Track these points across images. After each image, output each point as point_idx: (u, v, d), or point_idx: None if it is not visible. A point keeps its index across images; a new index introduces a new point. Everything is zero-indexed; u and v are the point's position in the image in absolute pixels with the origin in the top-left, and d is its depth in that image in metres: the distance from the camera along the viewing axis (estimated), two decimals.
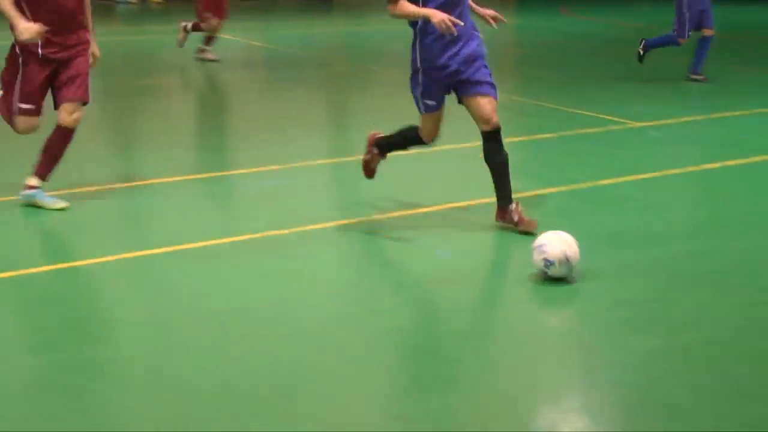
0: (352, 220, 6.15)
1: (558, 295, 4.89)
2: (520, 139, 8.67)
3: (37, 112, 6.27)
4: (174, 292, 4.93)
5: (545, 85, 11.65)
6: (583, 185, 6.95)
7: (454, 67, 5.58)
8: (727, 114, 9.40)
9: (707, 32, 11.32)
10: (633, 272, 5.17)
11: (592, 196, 6.74)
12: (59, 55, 6.12)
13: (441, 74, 5.61)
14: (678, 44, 11.35)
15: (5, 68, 6.26)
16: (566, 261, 4.85)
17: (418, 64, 5.65)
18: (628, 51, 15.44)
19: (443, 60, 5.55)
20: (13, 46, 6.15)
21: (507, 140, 8.52)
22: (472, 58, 5.60)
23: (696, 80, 11.44)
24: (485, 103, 5.64)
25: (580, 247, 4.94)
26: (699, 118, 9.43)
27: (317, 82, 12.27)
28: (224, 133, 9.52)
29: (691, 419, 3.55)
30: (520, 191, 6.78)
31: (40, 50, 6.04)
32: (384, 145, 6.22)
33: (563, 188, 6.88)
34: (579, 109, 9.82)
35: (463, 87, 5.65)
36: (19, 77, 6.15)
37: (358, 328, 4.52)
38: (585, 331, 4.50)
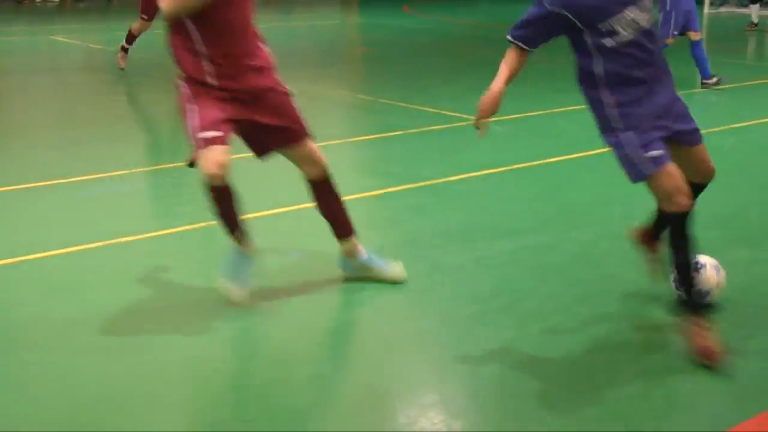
0: (201, 224, 6.03)
1: (409, 292, 4.91)
2: (368, 137, 8.71)
3: None
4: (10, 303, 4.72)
5: (391, 83, 11.74)
6: (432, 182, 7.02)
7: None
8: (570, 108, 9.67)
9: (694, 36, 11.00)
10: (483, 266, 5.24)
11: (442, 192, 6.82)
12: None
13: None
14: (665, 45, 10.27)
15: None
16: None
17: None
18: (470, 47, 15.78)
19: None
20: None
21: (354, 139, 8.63)
22: None
23: (710, 85, 11.19)
24: None
25: (432, 243, 4.97)
26: (542, 112, 9.68)
27: (159, 84, 11.97)
28: (62, 140, 9.17)
29: (545, 407, 3.62)
30: (369, 190, 6.83)
31: None
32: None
33: (413, 185, 6.92)
34: (424, 106, 9.93)
35: None
36: None
37: (208, 332, 4.43)
38: (436, 326, 4.52)
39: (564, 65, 12.56)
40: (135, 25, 12.34)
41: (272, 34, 18.88)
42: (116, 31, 17.52)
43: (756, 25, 18.74)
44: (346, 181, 7.26)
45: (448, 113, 9.53)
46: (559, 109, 9.70)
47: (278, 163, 7.60)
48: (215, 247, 5.75)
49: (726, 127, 9.02)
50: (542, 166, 7.57)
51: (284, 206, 6.38)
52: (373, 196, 6.74)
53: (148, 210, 6.47)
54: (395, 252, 5.69)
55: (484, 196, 6.76)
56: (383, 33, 17.20)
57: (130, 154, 7.99)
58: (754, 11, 18.99)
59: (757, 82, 11.83)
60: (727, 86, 11.27)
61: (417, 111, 9.75)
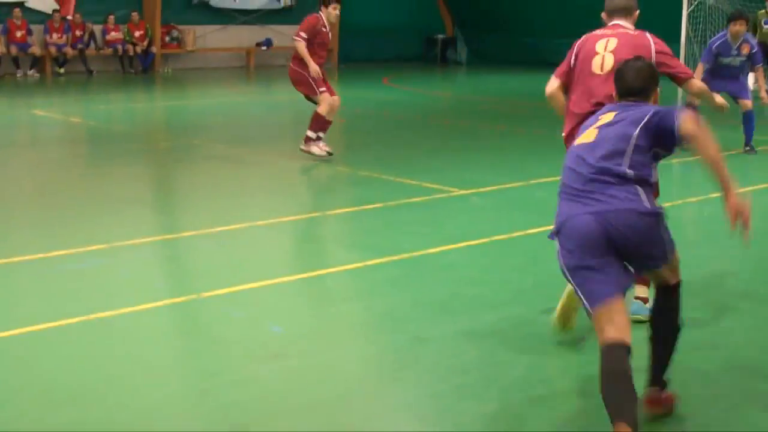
0: (181, 299, 6.00)
1: (390, 366, 4.89)
2: (347, 210, 8.74)
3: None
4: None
5: (370, 155, 11.80)
6: (412, 254, 7.02)
7: None
8: (548, 179, 9.75)
9: (746, 104, 11.78)
10: (465, 339, 5.23)
11: (422, 265, 6.82)
12: None
13: None
14: None
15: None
16: None
17: None
18: (449, 119, 15.93)
19: None
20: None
21: (334, 212, 8.66)
22: None
23: (751, 151, 11.81)
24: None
25: (413, 316, 4.97)
26: (519, 184, 9.74)
27: (140, 157, 12.01)
28: (43, 214, 9.14)
29: None
30: (349, 263, 6.83)
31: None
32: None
33: (393, 258, 6.93)
34: (404, 178, 9.98)
35: None
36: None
37: (190, 407, 4.38)
38: (418, 400, 4.50)
39: (541, 136, 12.72)
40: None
41: (253, 108, 19.13)
42: (97, 103, 17.63)
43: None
44: (326, 255, 7.32)
45: (428, 185, 9.59)
46: (537, 180, 9.77)
47: (255, 236, 7.64)
48: (192, 322, 5.73)
49: (703, 197, 9.10)
50: (521, 237, 7.60)
51: (265, 280, 6.35)
52: (352, 269, 6.74)
53: (127, 285, 6.43)
54: (375, 325, 5.69)
55: (463, 268, 6.77)
56: (363, 105, 17.33)
57: (110, 228, 7.97)
58: (751, 78, 19.46)
59: (733, 152, 11.97)
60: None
61: (397, 183, 9.80)
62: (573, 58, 5.81)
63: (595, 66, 5.67)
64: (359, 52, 27.64)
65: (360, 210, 8.67)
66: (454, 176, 10.15)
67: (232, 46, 26.23)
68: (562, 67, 5.88)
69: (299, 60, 11.09)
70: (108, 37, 23.34)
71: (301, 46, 10.96)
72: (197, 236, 7.55)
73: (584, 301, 3.99)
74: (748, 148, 11.96)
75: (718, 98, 6.56)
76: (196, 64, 25.42)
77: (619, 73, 4.51)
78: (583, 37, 5.90)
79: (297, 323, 5.56)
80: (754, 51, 11.64)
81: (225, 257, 7.02)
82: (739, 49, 11.61)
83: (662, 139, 4.20)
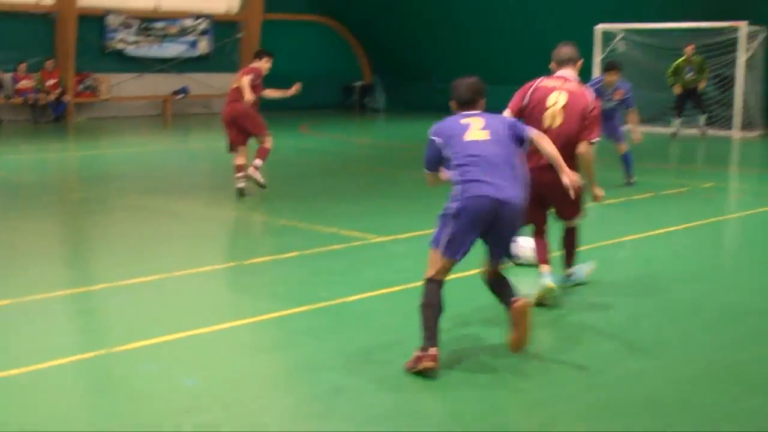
0: (92, 353, 5.84)
1: (309, 417, 4.82)
2: (265, 259, 8.65)
3: None
4: None
5: (288, 203, 11.74)
6: (330, 303, 6.97)
7: None
8: None
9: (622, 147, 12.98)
10: (384, 387, 5.19)
11: (340, 314, 6.78)
12: None
13: None
14: None
15: None
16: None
17: None
18: (367, 167, 15.98)
19: None
20: None
21: (251, 261, 8.57)
22: None
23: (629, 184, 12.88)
24: None
25: (331, 366, 4.90)
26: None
27: (51, 209, 11.73)
28: None
29: None
30: (266, 312, 6.75)
31: None
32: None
33: (311, 307, 6.87)
34: (322, 226, 9.94)
35: None
36: None
37: None
38: None
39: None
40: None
41: (169, 156, 18.93)
42: (6, 153, 17.24)
43: (675, 134, 20.81)
44: (243, 305, 7.21)
45: (347, 233, 9.56)
46: None
47: (171, 287, 7.50)
48: (104, 378, 5.58)
49: (616, 240, 9.25)
50: None
51: (180, 332, 6.24)
52: (269, 319, 6.66)
53: (33, 341, 6.24)
54: (293, 376, 5.61)
55: (382, 316, 6.74)
56: (281, 153, 17.25)
57: (17, 282, 7.75)
58: (677, 124, 21.01)
59: (647, 195, 12.22)
60: (619, 200, 11.61)
61: (315, 231, 9.76)
62: (527, 98, 6.94)
63: (547, 120, 6.84)
64: (277, 99, 27.61)
65: (278, 259, 8.60)
66: (373, 223, 10.15)
67: (148, 94, 26.02)
68: (516, 104, 6.95)
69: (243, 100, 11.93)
70: (18, 86, 22.96)
71: (246, 81, 11.86)
72: (110, 289, 7.39)
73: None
74: (628, 181, 12.99)
75: (599, 190, 7.17)
76: (111, 112, 25.14)
77: (453, 86, 5.92)
78: (536, 82, 7.03)
79: (213, 376, 5.46)
80: (627, 96, 12.71)
81: (139, 310, 6.88)
82: (611, 94, 12.63)
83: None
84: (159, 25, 26.02)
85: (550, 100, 6.89)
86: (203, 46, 26.85)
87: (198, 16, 26.72)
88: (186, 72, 26.53)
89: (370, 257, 8.67)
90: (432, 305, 5.55)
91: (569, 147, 6.79)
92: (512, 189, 5.56)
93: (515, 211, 5.58)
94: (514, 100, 7.01)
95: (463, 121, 5.77)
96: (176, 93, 26.31)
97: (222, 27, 27.38)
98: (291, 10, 28.85)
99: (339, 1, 29.27)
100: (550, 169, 6.31)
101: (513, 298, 5.68)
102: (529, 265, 7.46)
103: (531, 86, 7.01)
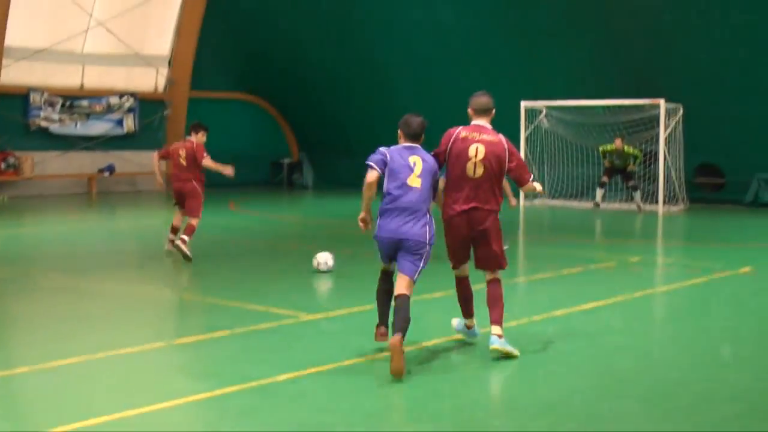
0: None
1: None
2: (194, 338, 8.48)
3: None
4: None
5: (218, 282, 11.59)
6: (261, 382, 6.84)
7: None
8: None
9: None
10: None
11: (271, 393, 6.64)
12: None
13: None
14: None
15: None
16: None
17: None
18: (296, 244, 15.90)
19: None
20: None
21: (180, 341, 8.39)
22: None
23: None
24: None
25: None
26: (368, 307, 9.69)
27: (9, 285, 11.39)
28: None
29: None
30: (195, 393, 6.58)
31: None
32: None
33: (242, 387, 6.72)
34: (252, 305, 9.81)
35: None
36: None
37: None
38: None
39: None
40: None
41: (94, 235, 18.60)
42: None
43: (598, 205, 21.52)
44: (171, 386, 7.02)
45: (277, 311, 9.45)
46: None
47: (94, 369, 7.28)
48: None
49: (547, 315, 9.27)
50: (370, 361, 7.52)
51: (104, 415, 6.04)
52: (199, 400, 6.49)
53: None
54: None
55: (313, 395, 6.63)
56: (210, 231, 17.12)
57: None
58: (599, 194, 21.81)
59: (576, 270, 12.33)
60: (547, 275, 11.69)
61: (245, 309, 9.62)
62: (447, 147, 7.67)
63: (469, 170, 7.58)
64: (205, 177, 27.51)
65: (207, 338, 8.44)
66: (303, 301, 10.05)
67: (73, 172, 25.71)
68: (441, 152, 7.71)
69: (201, 182, 13.37)
70: None
71: (210, 162, 13.16)
72: (32, 372, 7.15)
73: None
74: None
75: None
76: (34, 191, 24.75)
77: (405, 121, 7.58)
78: (455, 132, 7.71)
79: None
80: None
81: (63, 393, 6.66)
82: None
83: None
84: (84, 103, 25.83)
85: (471, 151, 7.58)
86: (129, 124, 26.70)
87: (124, 94, 26.61)
88: (112, 150, 26.33)
89: (300, 335, 8.56)
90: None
91: (491, 194, 7.58)
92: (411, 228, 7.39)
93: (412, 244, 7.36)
94: (439, 148, 7.74)
95: (411, 160, 7.46)
96: (102, 171, 26.04)
97: (148, 105, 27.30)
98: (217, 88, 28.94)
99: (264, 80, 29.42)
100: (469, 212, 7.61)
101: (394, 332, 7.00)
102: None
103: (451, 136, 7.70)
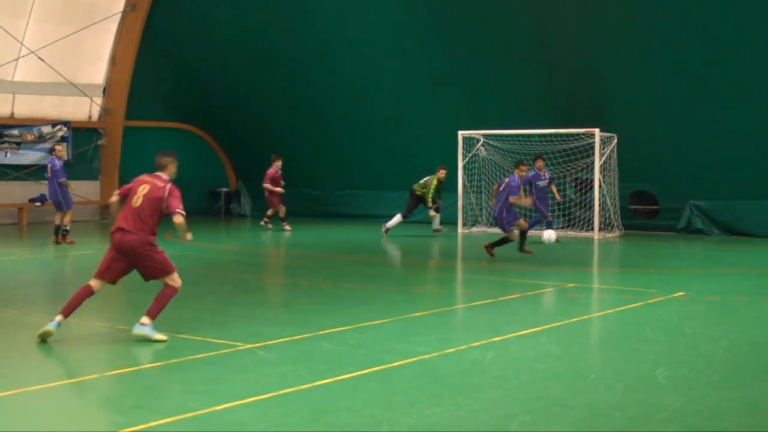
0: None
1: None
2: (128, 370, 8.34)
3: None
4: None
5: None
6: (197, 413, 6.73)
7: None
8: (332, 330, 9.71)
9: None
10: None
11: (208, 424, 6.54)
12: None
13: None
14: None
15: None
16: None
17: None
18: (232, 273, 15.76)
19: None
20: None
21: (113, 372, 8.23)
22: None
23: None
24: None
25: None
26: (306, 335, 9.63)
27: None
28: None
29: None
30: (130, 425, 6.45)
31: None
32: None
33: (177, 418, 6.61)
34: (189, 335, 9.69)
35: None
36: None
37: None
38: None
39: (326, 288, 12.74)
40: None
41: (24, 266, 18.23)
42: None
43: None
44: (103, 419, 6.87)
45: (214, 341, 9.34)
46: (323, 332, 9.70)
47: (23, 404, 7.10)
48: None
49: (485, 341, 9.29)
50: (308, 389, 7.46)
51: None
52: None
53: None
54: None
55: (251, 424, 6.54)
56: None
57: None
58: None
59: (513, 296, 12.40)
60: (485, 301, 11.73)
61: (181, 339, 9.49)
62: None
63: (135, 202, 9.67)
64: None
65: (142, 369, 8.31)
66: (240, 330, 9.95)
67: (3, 202, 25.27)
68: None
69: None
70: None
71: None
72: None
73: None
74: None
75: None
76: None
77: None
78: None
79: None
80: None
81: None
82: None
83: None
84: (14, 132, 25.44)
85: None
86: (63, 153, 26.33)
87: (56, 123, 26.27)
88: (44, 179, 25.91)
89: (238, 365, 8.45)
90: None
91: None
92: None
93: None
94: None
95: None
96: (33, 201, 25.61)
97: (82, 134, 27.01)
98: (153, 117, 28.73)
99: (201, 109, 29.30)
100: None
101: None
102: None
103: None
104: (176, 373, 8.10)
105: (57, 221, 19.96)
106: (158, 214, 10.09)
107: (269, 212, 24.57)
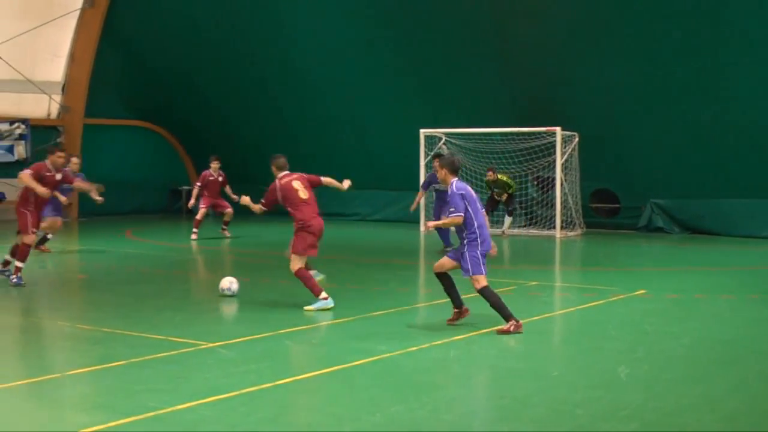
0: None
1: None
2: (89, 369, 8.25)
3: None
4: None
5: (113, 311, 11.31)
6: (158, 412, 6.67)
7: None
8: (296, 329, 9.68)
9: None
10: None
11: (168, 423, 6.48)
12: None
13: None
14: None
15: None
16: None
17: None
18: (193, 272, 15.66)
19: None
20: None
21: (74, 372, 8.14)
22: None
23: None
24: None
25: None
26: (268, 334, 9.59)
27: None
28: None
29: None
30: (90, 426, 6.38)
31: None
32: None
33: (137, 418, 6.55)
34: (149, 333, 9.61)
35: None
36: None
37: None
38: None
39: (286, 286, 12.70)
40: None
41: None
42: None
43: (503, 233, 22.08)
44: (64, 419, 6.79)
45: (174, 339, 9.26)
46: (285, 330, 9.66)
47: None
48: None
49: (448, 339, 9.30)
50: (270, 389, 7.42)
51: None
52: None
53: None
54: None
55: (212, 424, 6.49)
56: (105, 260, 16.78)
57: None
58: (507, 222, 22.40)
59: (475, 294, 12.42)
60: (447, 299, 11.74)
61: (142, 338, 9.40)
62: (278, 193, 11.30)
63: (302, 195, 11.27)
64: (101, 205, 27.01)
65: (102, 368, 8.21)
66: (201, 329, 9.88)
67: None
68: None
69: (24, 200, 13.40)
70: None
71: (26, 176, 13.04)
72: None
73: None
74: (446, 248, 15.38)
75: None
76: None
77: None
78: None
79: None
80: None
81: None
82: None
83: None
84: None
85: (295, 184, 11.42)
86: (21, 150, 26.04)
87: (14, 121, 25.94)
88: (2, 177, 25.58)
89: (199, 363, 8.39)
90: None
91: None
92: None
93: None
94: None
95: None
96: None
97: (41, 132, 26.67)
98: (113, 115, 28.46)
99: (161, 107, 29.07)
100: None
101: None
102: None
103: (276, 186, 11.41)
104: (138, 372, 8.02)
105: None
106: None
107: (225, 218, 22.15)
